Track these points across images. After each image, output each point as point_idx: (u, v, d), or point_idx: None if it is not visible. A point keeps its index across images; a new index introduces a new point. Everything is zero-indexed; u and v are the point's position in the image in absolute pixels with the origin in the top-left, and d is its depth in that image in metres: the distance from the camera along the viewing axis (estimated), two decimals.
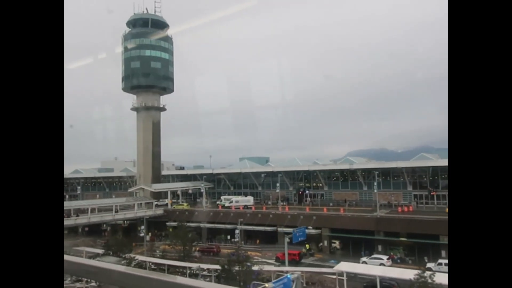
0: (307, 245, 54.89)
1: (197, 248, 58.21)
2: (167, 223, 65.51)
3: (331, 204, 65.34)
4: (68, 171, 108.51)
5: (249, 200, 69.28)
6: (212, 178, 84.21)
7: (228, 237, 60.47)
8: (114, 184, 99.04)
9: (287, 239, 41.41)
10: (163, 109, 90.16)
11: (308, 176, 73.33)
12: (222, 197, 73.49)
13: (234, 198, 72.05)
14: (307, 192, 71.74)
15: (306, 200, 71.42)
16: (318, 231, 53.14)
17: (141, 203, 67.87)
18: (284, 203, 70.75)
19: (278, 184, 67.00)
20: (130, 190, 76.95)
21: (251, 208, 65.73)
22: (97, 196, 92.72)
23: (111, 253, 39.90)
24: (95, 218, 57.35)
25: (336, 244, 53.55)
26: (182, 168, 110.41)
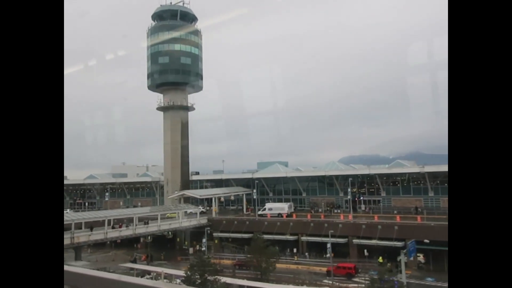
0: (380, 259, 48.68)
1: (234, 262, 51.82)
2: (214, 234, 58.65)
3: (395, 212, 59.18)
4: (81, 176, 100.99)
5: (283, 207, 62.73)
6: (247, 183, 77.55)
7: (293, 250, 53.59)
8: (133, 190, 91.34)
9: (402, 255, 35.00)
10: (192, 108, 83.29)
11: (357, 180, 67.14)
12: (266, 205, 66.74)
13: (267, 205, 65.60)
14: (361, 198, 65.51)
15: (360, 207, 65.22)
16: (398, 243, 46.82)
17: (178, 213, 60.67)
18: (338, 211, 64.44)
19: (346, 190, 60.53)
20: (170, 197, 69.64)
21: (282, 216, 59.72)
22: (121, 203, 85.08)
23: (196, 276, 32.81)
24: (140, 230, 50.14)
25: (420, 257, 47.27)
26: (197, 173, 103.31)
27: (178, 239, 62.58)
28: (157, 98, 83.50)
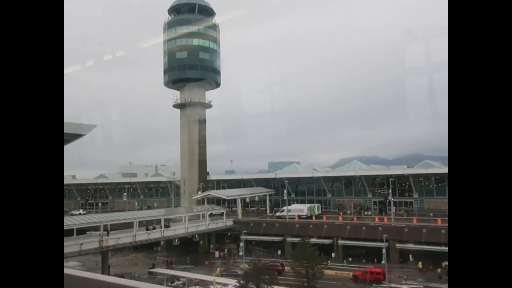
0: (420, 264, 46.00)
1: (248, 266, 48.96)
2: (242, 237, 55.70)
3: (431, 214, 56.42)
4: (89, 176, 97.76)
5: (303, 209, 59.97)
6: (265, 184, 74.70)
7: (330, 254, 50.66)
8: (146, 190, 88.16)
9: None
10: (209, 105, 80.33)
11: (386, 181, 64.33)
12: (292, 206, 63.80)
13: (286, 207, 62.80)
14: (391, 199, 62.69)
15: (390, 209, 62.43)
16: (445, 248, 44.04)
17: (200, 215, 57.69)
18: (369, 213, 61.70)
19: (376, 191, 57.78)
20: (194, 197, 66.47)
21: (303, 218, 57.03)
22: (135, 203, 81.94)
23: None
24: (168, 232, 47.11)
25: None
26: (207, 173, 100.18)
27: (201, 242, 59.59)
28: (173, 95, 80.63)
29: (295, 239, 52.48)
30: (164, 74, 78.67)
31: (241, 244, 46.64)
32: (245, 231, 54.78)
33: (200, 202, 64.62)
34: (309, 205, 62.63)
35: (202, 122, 79.45)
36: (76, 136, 25.25)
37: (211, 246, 58.05)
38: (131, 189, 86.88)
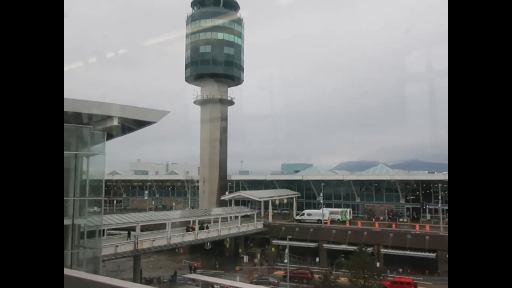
0: None
1: (283, 273, 46.22)
2: (274, 241, 52.78)
3: None
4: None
5: (324, 213, 57.04)
6: (288, 186, 71.70)
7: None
8: (161, 189, 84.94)
9: None
10: (232, 102, 77.30)
11: (421, 187, 61.44)
12: (312, 210, 60.88)
13: (306, 211, 59.94)
14: (427, 206, 59.80)
15: (425, 216, 59.55)
16: None
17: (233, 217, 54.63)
18: (404, 219, 58.74)
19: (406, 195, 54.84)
20: (223, 198, 63.34)
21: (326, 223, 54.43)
22: (153, 202, 78.69)
23: None
24: (202, 235, 44.03)
25: None
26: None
27: (227, 245, 56.47)
28: (194, 91, 77.60)
29: (333, 246, 49.75)
30: (186, 68, 75.60)
31: (286, 251, 43.43)
32: (281, 236, 52.03)
33: (227, 203, 61.45)
34: (340, 209, 59.76)
35: (224, 119, 76.44)
36: (145, 124, 22.31)
37: (240, 250, 54.91)
38: (144, 187, 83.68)
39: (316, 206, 66.86)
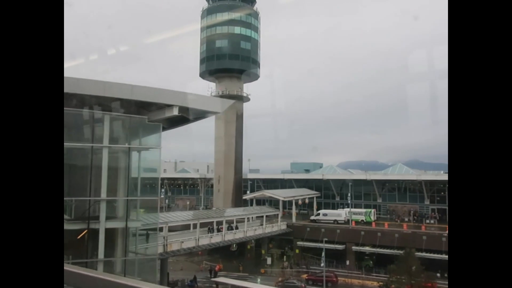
0: None
1: (305, 276, 44.43)
2: (298, 243, 50.79)
3: None
4: None
5: (340, 214, 55.43)
6: (304, 185, 69.64)
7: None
8: (172, 187, 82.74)
9: None
10: (248, 99, 75.15)
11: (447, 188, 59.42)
12: (328, 210, 58.89)
13: (321, 211, 57.97)
14: None
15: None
16: None
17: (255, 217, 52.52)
18: (432, 221, 56.73)
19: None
20: (245, 197, 61.27)
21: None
22: (166, 200, 76.46)
23: None
24: (228, 236, 41.91)
25: None
26: None
27: (248, 246, 54.46)
28: (208, 87, 75.41)
29: (363, 249, 47.78)
30: (201, 64, 73.36)
31: (323, 255, 41.34)
32: (306, 237, 50.08)
33: (248, 202, 59.35)
34: (364, 209, 57.75)
35: (240, 116, 74.36)
36: (207, 114, 20.13)
37: (263, 251, 52.80)
38: (153, 185, 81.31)
39: (336, 206, 64.93)
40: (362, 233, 48.90)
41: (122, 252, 18.39)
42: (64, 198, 18.30)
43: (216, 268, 47.87)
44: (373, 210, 57.36)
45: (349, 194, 56.64)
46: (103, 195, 17.65)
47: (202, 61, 73.22)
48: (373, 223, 53.34)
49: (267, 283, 44.20)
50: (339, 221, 53.40)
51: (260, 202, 61.52)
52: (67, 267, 2.27)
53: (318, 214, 56.39)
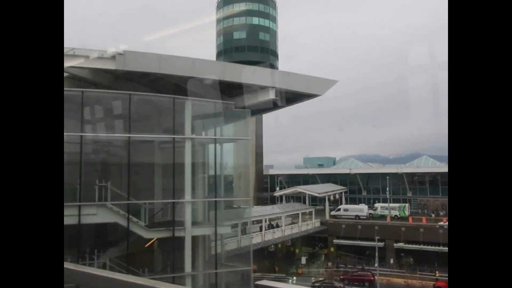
0: None
1: (341, 276, 42.29)
2: (335, 241, 48.42)
3: None
4: None
5: (362, 209, 53.43)
6: (328, 180, 67.29)
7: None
8: None
9: None
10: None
11: None
12: (377, 205, 56.50)
13: (342, 206, 55.76)
14: None
15: None
16: None
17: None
18: None
19: None
20: (275, 194, 58.81)
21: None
22: None
23: None
24: (268, 236, 39.50)
25: None
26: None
27: (279, 245, 52.06)
28: None
29: (406, 246, 45.45)
30: (218, 56, 70.64)
31: (370, 256, 38.99)
32: (342, 235, 47.75)
33: (278, 199, 56.93)
34: (397, 204, 55.40)
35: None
36: (305, 97, 17.57)
37: (297, 250, 50.42)
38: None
39: (363, 201, 62.72)
40: (403, 229, 46.53)
41: (204, 263, 16.03)
42: (134, 201, 15.90)
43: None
44: (406, 205, 55.04)
45: (387, 189, 54.14)
46: (187, 196, 15.19)
47: (219, 54, 70.54)
48: (410, 218, 51.03)
49: (305, 285, 41.87)
50: (361, 217, 51.15)
51: (288, 199, 59.10)
52: (67, 265, 2.24)
53: (339, 210, 54.12)
